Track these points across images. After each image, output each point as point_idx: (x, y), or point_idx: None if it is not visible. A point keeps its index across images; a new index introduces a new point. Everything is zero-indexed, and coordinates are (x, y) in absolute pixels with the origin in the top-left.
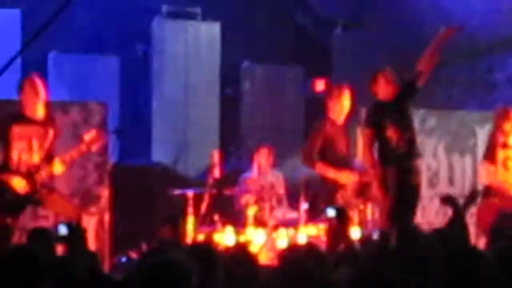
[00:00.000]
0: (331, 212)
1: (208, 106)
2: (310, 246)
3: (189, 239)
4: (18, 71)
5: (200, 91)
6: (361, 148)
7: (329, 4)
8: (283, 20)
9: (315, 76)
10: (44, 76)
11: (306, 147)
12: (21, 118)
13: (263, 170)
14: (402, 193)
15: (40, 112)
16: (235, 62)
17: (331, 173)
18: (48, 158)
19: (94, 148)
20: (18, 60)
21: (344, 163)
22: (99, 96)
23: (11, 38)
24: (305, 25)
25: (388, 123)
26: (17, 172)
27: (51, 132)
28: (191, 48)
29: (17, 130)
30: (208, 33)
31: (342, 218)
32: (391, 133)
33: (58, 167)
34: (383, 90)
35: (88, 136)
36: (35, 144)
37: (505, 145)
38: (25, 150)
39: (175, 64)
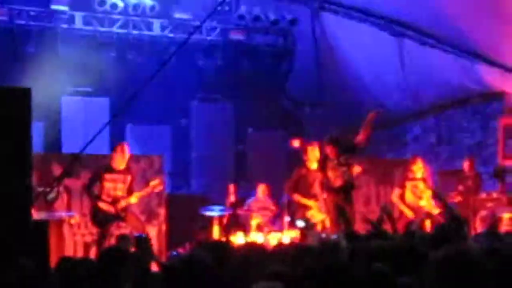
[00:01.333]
0: (300, 223)
1: (227, 158)
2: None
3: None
4: (107, 138)
5: (222, 148)
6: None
7: (301, 91)
8: (272, 102)
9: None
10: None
11: (288, 183)
12: (110, 169)
13: (261, 197)
14: (339, 211)
15: (122, 165)
16: (244, 130)
17: (302, 200)
18: (128, 193)
19: (157, 190)
20: (108, 131)
21: (313, 193)
22: (158, 151)
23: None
24: (286, 105)
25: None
26: (106, 201)
27: (129, 178)
28: (214, 120)
29: (107, 176)
30: (225, 111)
31: (308, 226)
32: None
33: (133, 199)
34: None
35: (153, 182)
36: (119, 185)
37: (412, 179)
38: (112, 189)
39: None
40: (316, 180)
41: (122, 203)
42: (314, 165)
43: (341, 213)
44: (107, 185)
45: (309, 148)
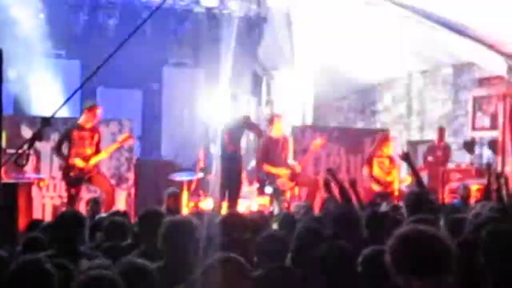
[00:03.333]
0: (268, 189)
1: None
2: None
3: (184, 206)
4: (78, 100)
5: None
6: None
7: (273, 59)
8: (246, 68)
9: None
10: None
11: (257, 152)
12: (78, 126)
13: None
14: None
15: (90, 124)
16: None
17: (273, 170)
18: (96, 151)
19: (126, 144)
20: (79, 93)
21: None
22: (128, 115)
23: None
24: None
25: None
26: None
27: (96, 136)
28: (187, 87)
29: (75, 134)
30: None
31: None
32: None
33: (104, 154)
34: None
35: (121, 136)
36: (87, 142)
37: (380, 156)
38: (81, 145)
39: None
40: (285, 149)
41: (92, 161)
42: (278, 135)
43: None
44: (75, 142)
45: (276, 119)
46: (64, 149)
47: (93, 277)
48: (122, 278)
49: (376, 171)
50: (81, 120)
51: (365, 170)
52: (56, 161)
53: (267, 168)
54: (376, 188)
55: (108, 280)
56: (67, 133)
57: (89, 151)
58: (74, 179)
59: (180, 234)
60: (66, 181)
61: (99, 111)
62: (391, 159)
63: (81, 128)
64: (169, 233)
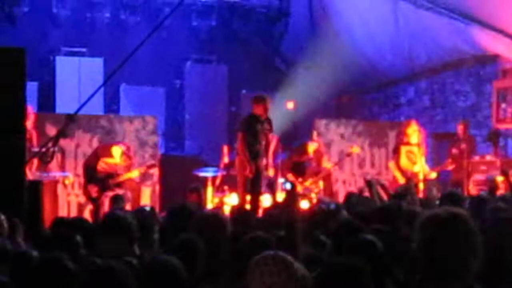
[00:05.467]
0: (289, 185)
1: (220, 119)
2: None
3: (208, 202)
4: (101, 97)
5: (215, 109)
6: None
7: (295, 53)
8: (266, 63)
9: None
10: (117, 100)
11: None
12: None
13: None
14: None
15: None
16: (237, 91)
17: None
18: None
19: (150, 171)
20: (102, 91)
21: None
22: (151, 112)
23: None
24: (280, 67)
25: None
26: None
27: None
28: (210, 84)
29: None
30: (218, 72)
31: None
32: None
33: (134, 173)
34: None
35: (149, 163)
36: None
37: (407, 143)
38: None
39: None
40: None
41: (121, 178)
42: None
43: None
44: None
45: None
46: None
47: (101, 269)
48: (149, 275)
49: (404, 161)
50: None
51: (392, 162)
52: (81, 158)
53: (290, 177)
54: (401, 180)
55: (117, 272)
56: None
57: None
58: (100, 180)
59: (211, 229)
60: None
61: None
62: (419, 147)
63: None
64: (200, 227)
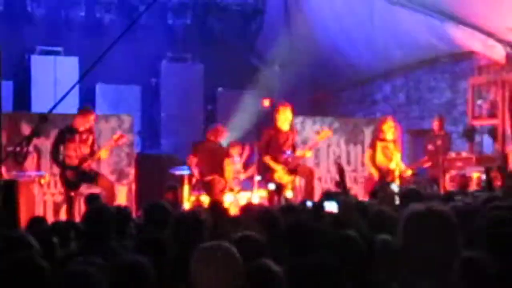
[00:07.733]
0: (271, 186)
1: (196, 117)
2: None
3: (185, 200)
4: (77, 95)
5: (192, 107)
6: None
7: (271, 51)
8: (242, 61)
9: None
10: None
11: (259, 144)
12: (72, 130)
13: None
14: None
15: (83, 127)
16: (214, 89)
17: (271, 164)
18: (91, 153)
19: (120, 142)
20: (77, 90)
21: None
22: (127, 111)
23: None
24: (256, 64)
25: None
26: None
27: (91, 138)
28: (182, 80)
29: (69, 137)
30: (194, 70)
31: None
32: None
33: (104, 154)
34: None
35: (115, 137)
36: (82, 146)
37: (383, 139)
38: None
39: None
40: (288, 140)
41: (91, 161)
42: (285, 126)
43: None
44: (70, 145)
45: (281, 108)
46: (60, 152)
47: (74, 273)
48: (121, 276)
49: (380, 157)
50: (74, 123)
51: (367, 154)
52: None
53: (267, 160)
54: (376, 176)
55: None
56: (61, 137)
57: (84, 151)
58: (72, 182)
59: (189, 227)
60: (64, 184)
61: (92, 117)
62: (395, 144)
63: (74, 130)
64: (178, 226)
